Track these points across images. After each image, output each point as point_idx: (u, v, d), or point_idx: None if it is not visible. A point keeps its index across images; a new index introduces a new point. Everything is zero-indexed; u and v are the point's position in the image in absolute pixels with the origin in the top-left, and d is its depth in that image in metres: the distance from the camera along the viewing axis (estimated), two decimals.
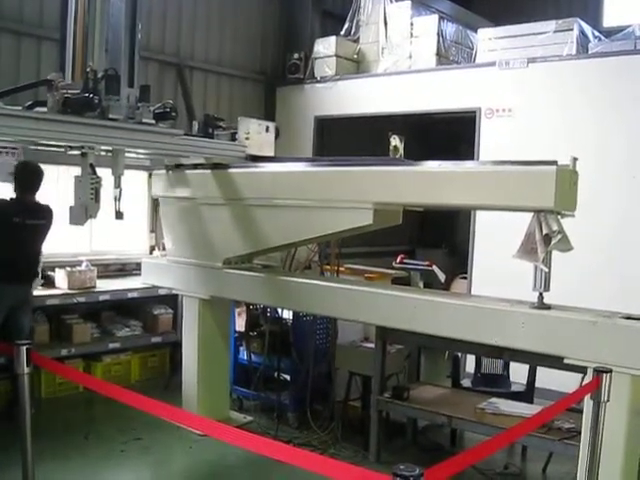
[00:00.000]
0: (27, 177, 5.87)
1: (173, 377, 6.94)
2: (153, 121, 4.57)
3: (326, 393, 6.01)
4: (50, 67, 6.38)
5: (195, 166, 5.75)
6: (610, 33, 7.56)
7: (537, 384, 5.67)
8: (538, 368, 5.45)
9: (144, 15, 7.07)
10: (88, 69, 4.26)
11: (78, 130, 4.16)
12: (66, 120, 4.10)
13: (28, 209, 5.84)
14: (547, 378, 5.39)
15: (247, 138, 5.43)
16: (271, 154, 5.62)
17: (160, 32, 8.23)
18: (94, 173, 4.50)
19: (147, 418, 3.77)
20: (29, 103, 4.29)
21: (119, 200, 4.68)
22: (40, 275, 6.30)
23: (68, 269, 6.83)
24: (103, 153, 4.69)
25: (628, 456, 3.94)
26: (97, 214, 4.56)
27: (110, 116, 4.28)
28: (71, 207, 4.53)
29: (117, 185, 4.66)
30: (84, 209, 4.48)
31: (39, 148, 4.87)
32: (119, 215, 4.67)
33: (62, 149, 4.67)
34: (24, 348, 3.56)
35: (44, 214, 5.94)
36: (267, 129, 5.60)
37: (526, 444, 5.25)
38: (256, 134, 5.49)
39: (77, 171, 4.64)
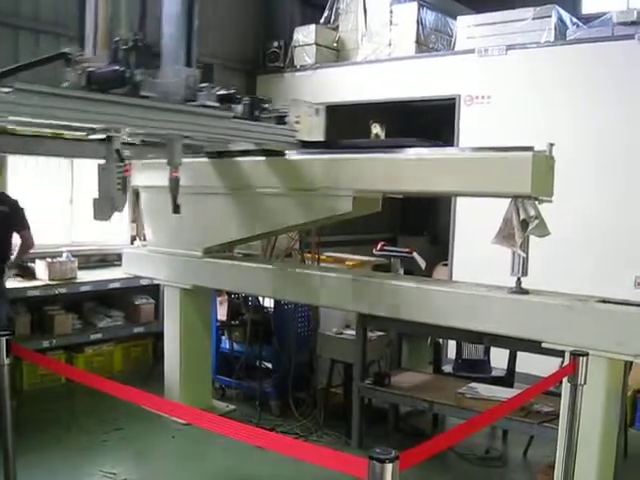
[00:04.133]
0: None
1: (156, 367, 6.94)
2: (217, 104, 4.13)
3: (308, 381, 6.05)
4: None
5: None
6: (588, 20, 7.59)
7: (518, 369, 5.72)
8: (519, 353, 5.50)
9: None
10: (117, 38, 3.76)
11: (105, 110, 3.58)
12: (91, 98, 3.51)
13: None
14: (528, 363, 5.44)
15: (297, 122, 4.97)
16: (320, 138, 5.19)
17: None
18: (121, 160, 3.91)
19: (129, 408, 3.77)
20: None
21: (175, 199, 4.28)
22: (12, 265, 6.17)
23: (49, 260, 6.79)
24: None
25: (605, 438, 4.00)
26: (124, 207, 4.04)
27: (142, 93, 3.73)
28: (95, 199, 3.95)
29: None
30: (110, 201, 3.92)
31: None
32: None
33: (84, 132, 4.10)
34: (3, 339, 3.54)
35: (4, 202, 5.82)
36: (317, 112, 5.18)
37: (506, 428, 5.32)
38: (307, 117, 5.07)
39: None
